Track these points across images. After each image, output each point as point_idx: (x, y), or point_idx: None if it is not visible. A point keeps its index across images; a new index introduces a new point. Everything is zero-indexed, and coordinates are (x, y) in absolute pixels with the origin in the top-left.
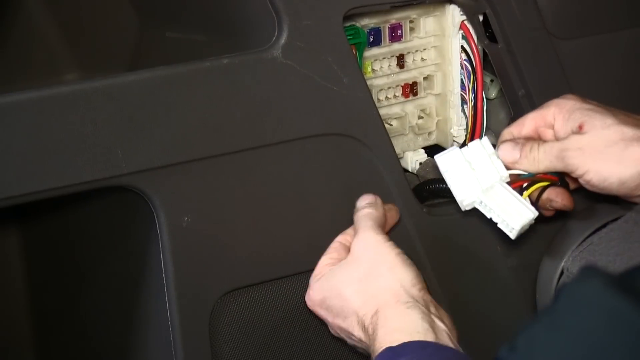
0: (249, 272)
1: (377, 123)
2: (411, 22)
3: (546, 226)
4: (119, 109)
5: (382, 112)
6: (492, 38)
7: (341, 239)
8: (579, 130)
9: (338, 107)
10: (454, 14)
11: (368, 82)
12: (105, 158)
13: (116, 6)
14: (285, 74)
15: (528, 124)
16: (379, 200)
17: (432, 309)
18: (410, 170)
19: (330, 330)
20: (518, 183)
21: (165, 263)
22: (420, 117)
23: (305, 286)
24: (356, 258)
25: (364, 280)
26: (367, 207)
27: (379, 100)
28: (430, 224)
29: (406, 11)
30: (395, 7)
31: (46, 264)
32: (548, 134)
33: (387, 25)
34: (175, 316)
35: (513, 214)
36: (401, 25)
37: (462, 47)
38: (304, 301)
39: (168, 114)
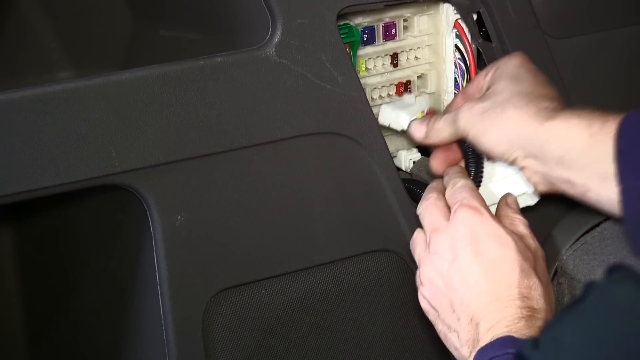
0: (243, 271)
1: (371, 122)
2: (405, 20)
3: (539, 225)
4: (112, 107)
5: (375, 110)
6: (486, 37)
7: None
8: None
9: (332, 106)
10: (448, 13)
11: (362, 81)
12: (98, 156)
13: (109, 4)
14: (279, 72)
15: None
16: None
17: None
18: (404, 169)
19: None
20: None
21: (158, 261)
22: None
23: (298, 285)
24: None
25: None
26: (460, 176)
27: (372, 99)
28: None
29: (400, 10)
30: (389, 6)
31: (39, 264)
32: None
33: (381, 24)
34: (169, 315)
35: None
36: (395, 24)
37: (456, 45)
38: (298, 299)
39: (161, 112)
